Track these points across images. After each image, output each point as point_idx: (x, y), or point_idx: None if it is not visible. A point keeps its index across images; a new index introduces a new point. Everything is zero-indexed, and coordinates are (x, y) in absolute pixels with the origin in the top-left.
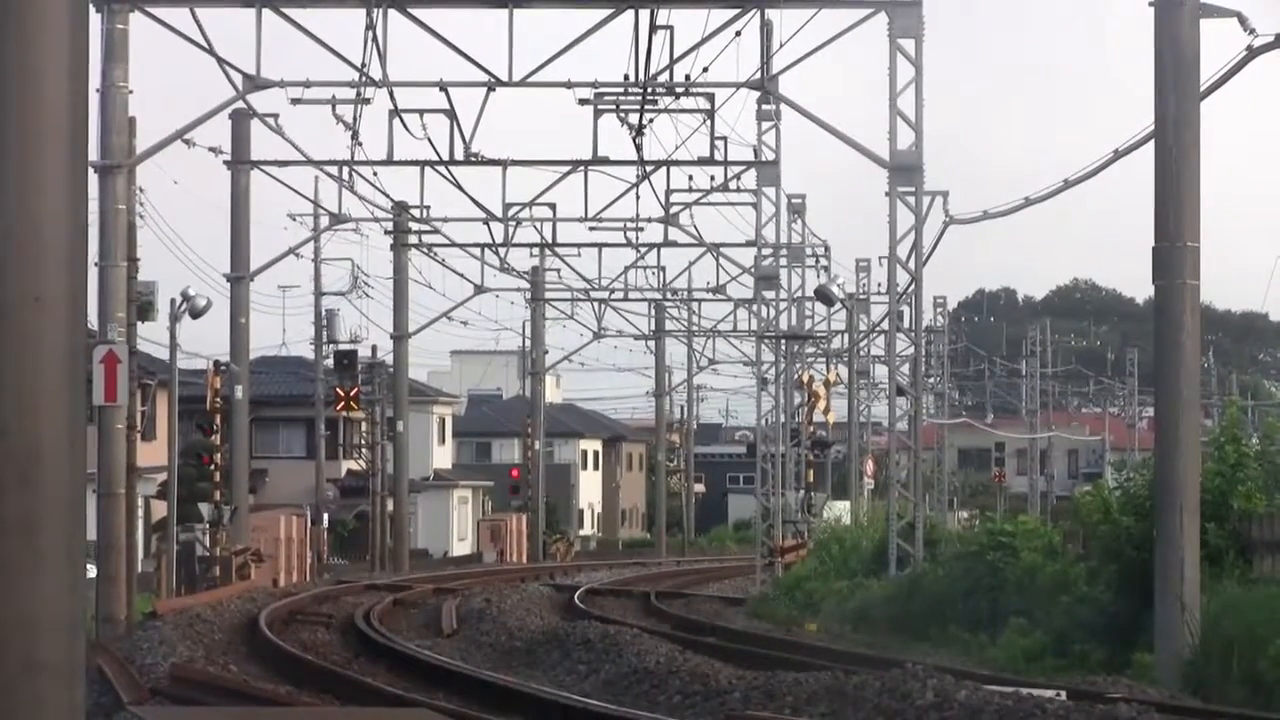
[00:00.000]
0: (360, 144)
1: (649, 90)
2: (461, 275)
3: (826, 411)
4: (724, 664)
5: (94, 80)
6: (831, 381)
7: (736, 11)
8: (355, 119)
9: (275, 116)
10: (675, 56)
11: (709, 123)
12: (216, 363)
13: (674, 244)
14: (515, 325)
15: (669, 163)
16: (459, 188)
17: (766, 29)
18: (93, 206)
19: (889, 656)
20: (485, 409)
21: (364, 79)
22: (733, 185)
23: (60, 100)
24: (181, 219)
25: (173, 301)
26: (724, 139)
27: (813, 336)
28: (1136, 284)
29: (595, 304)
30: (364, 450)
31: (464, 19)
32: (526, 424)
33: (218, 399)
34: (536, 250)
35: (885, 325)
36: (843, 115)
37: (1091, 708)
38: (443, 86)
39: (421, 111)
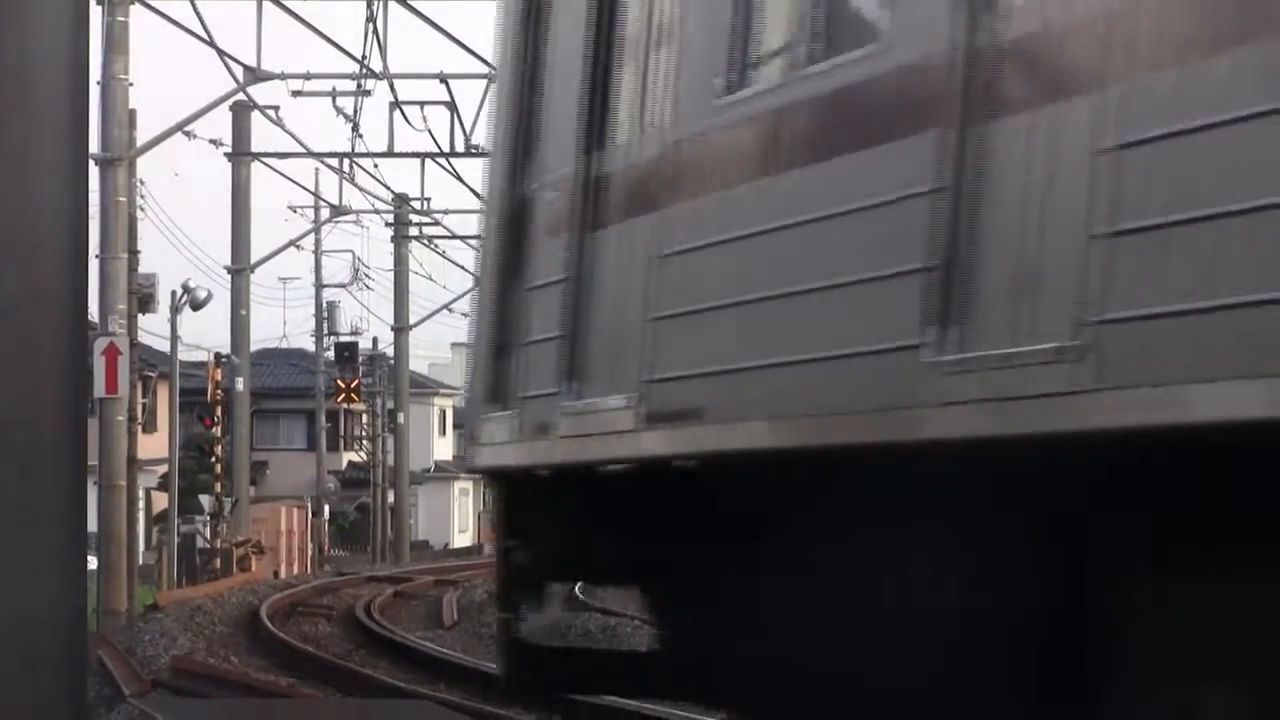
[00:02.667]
0: (361, 136)
1: None
2: (462, 267)
3: None
4: None
5: (95, 73)
6: None
7: None
8: (355, 111)
9: (276, 109)
10: None
11: None
12: (217, 355)
13: None
14: None
15: None
16: (460, 179)
17: None
18: (94, 199)
19: None
20: None
21: (364, 71)
22: None
23: (61, 93)
24: (182, 211)
25: (173, 294)
26: None
27: None
28: None
29: None
30: (365, 442)
31: (464, 10)
32: None
33: (218, 391)
34: None
35: None
36: None
37: None
38: (443, 78)
39: (422, 103)
